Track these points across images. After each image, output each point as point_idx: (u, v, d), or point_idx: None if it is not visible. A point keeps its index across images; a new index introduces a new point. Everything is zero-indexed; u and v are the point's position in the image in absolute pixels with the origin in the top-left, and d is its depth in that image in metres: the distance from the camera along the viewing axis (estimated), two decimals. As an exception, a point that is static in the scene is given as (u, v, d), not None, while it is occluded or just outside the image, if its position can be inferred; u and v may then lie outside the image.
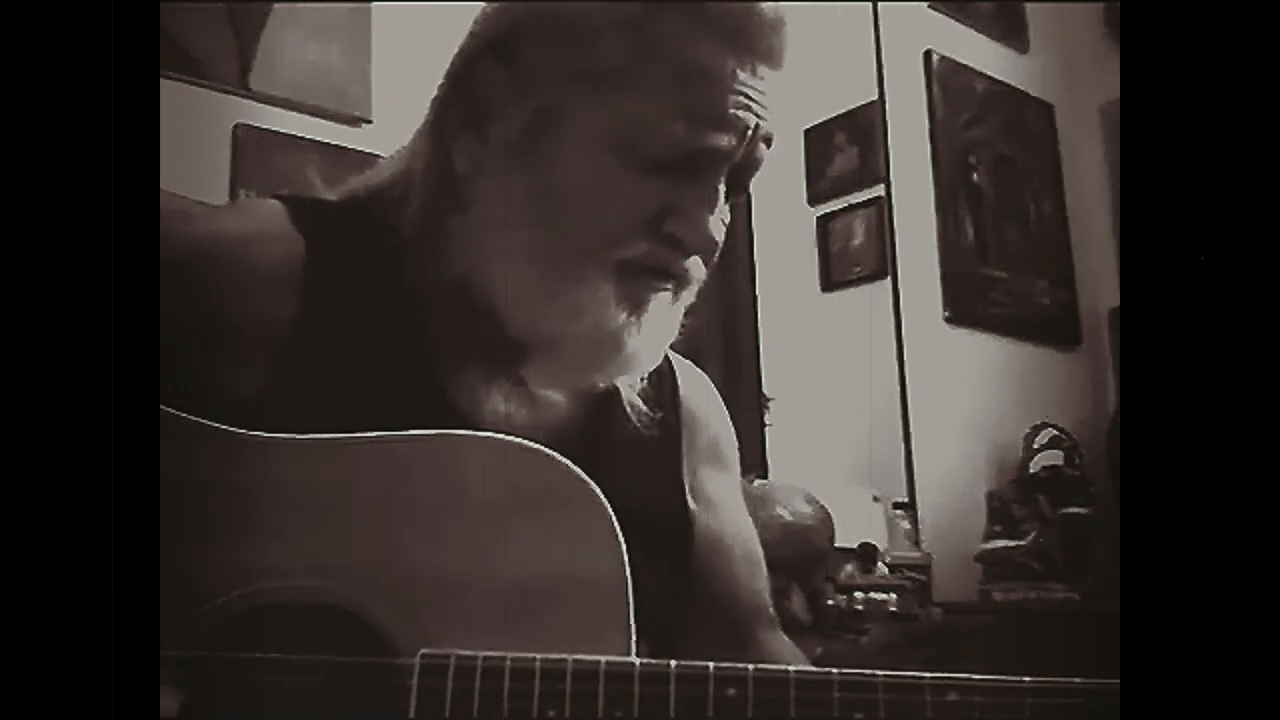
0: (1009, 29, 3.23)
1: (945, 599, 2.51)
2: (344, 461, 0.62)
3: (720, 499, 0.88)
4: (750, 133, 0.70)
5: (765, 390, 2.70)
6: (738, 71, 0.68)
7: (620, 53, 0.68)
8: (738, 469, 0.92)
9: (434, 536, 0.61)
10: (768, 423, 2.67)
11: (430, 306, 0.73)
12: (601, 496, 0.63)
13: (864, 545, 2.36)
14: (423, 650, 0.58)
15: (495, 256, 0.71)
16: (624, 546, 0.62)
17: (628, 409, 0.79)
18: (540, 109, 0.69)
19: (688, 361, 0.90)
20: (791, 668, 0.59)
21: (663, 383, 0.84)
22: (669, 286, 0.72)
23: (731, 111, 0.68)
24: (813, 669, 0.59)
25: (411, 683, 0.57)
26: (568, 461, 0.63)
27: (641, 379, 0.79)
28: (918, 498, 2.65)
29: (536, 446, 0.63)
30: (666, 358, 0.85)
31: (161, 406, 0.59)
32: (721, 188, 0.71)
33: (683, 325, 0.75)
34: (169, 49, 1.93)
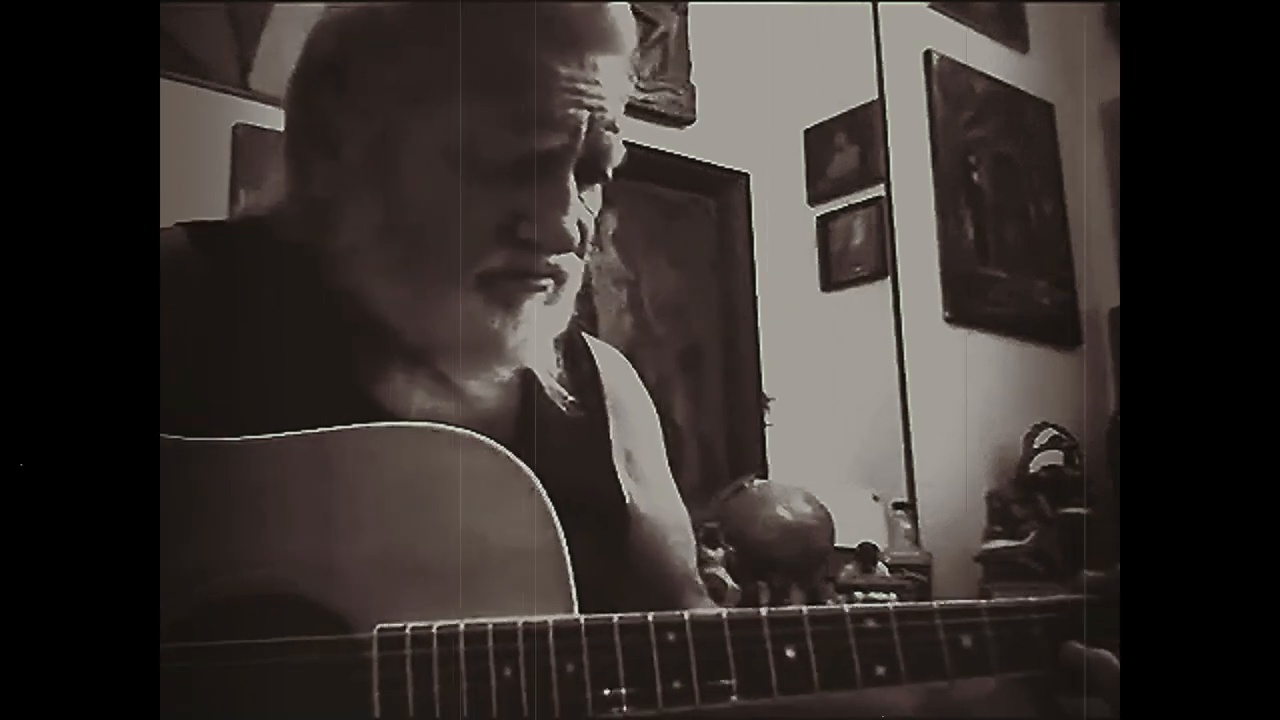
0: (1009, 29, 3.24)
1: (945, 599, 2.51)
2: (288, 458, 0.64)
3: (651, 476, 0.90)
4: (585, 127, 0.70)
5: (765, 390, 2.69)
6: (559, 68, 0.69)
7: (440, 66, 0.69)
8: (662, 445, 0.94)
9: (377, 523, 0.63)
10: (768, 423, 2.66)
11: (337, 314, 0.75)
12: (531, 473, 0.65)
13: (864, 545, 2.36)
14: (379, 624, 0.60)
15: (371, 279, 0.73)
16: (557, 520, 0.65)
17: (549, 393, 0.81)
18: (381, 130, 0.71)
19: (603, 343, 0.93)
20: (724, 610, 0.64)
21: (580, 366, 0.86)
22: (541, 285, 0.73)
23: (560, 111, 0.69)
24: (744, 610, 0.63)
25: (370, 655, 0.59)
26: (496, 444, 0.65)
27: (558, 364, 0.81)
28: (918, 498, 2.65)
29: (467, 432, 0.66)
30: (582, 340, 0.89)
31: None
32: (571, 185, 0.72)
33: (575, 312, 0.78)
34: (169, 49, 1.93)
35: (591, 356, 0.89)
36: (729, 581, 2.09)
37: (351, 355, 0.75)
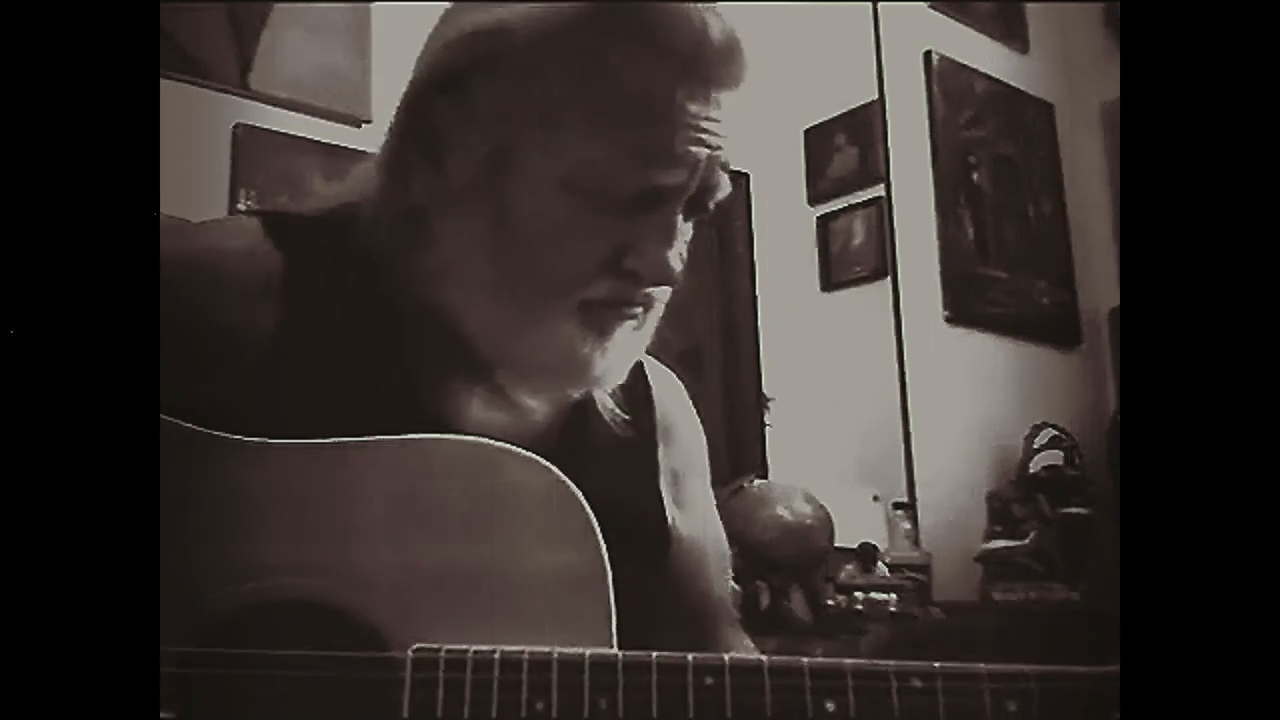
0: (1009, 29, 3.23)
1: (945, 599, 2.51)
2: (335, 465, 0.64)
3: (694, 500, 0.90)
4: (702, 165, 0.70)
5: (765, 390, 2.69)
6: (688, 105, 0.68)
7: (569, 92, 0.68)
8: (708, 471, 0.94)
9: (422, 537, 0.63)
10: (768, 423, 2.66)
11: (405, 320, 0.74)
12: (580, 496, 0.64)
13: (864, 545, 2.36)
14: (415, 645, 0.60)
15: (461, 293, 0.72)
16: (603, 544, 0.64)
17: (602, 412, 0.81)
18: (495, 148, 0.70)
19: (660, 364, 0.91)
20: (766, 657, 0.62)
21: (636, 386, 0.85)
22: (634, 313, 0.73)
23: (682, 148, 0.68)
24: (784, 658, 0.62)
25: (404, 675, 0.59)
26: (546, 462, 0.65)
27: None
28: (918, 498, 2.65)
29: (517, 449, 0.65)
30: (639, 362, 0.86)
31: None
32: (679, 219, 0.72)
33: (654, 338, 0.77)
34: (169, 49, 1.93)
35: (646, 376, 0.88)
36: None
37: (413, 364, 0.74)
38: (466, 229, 0.71)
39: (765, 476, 2.55)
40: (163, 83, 1.85)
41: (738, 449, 2.63)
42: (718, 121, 0.70)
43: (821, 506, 2.29)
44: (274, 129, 2.05)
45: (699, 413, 0.94)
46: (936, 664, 0.61)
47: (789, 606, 2.19)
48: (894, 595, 2.30)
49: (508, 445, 0.65)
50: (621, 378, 0.77)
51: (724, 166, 0.72)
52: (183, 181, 1.75)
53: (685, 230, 0.74)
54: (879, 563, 2.37)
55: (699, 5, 0.69)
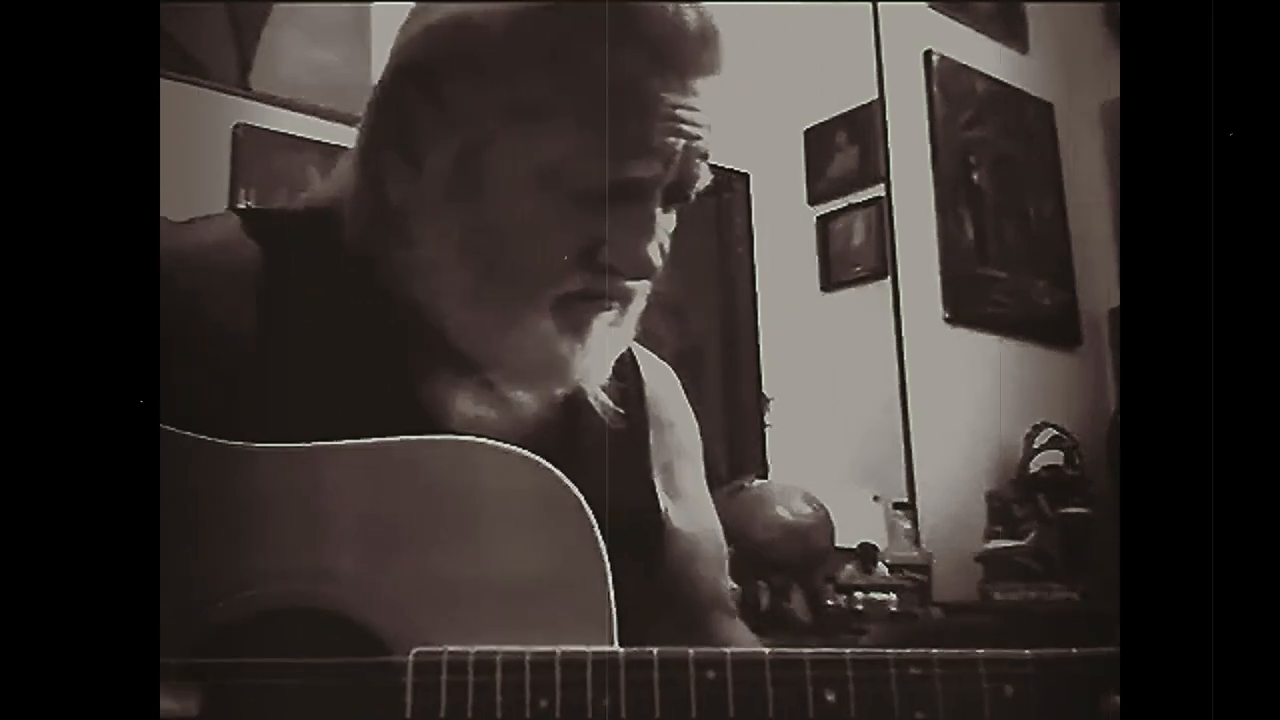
0: (1009, 29, 3.23)
1: (945, 599, 2.51)
2: (329, 468, 0.64)
3: (688, 492, 0.89)
4: (679, 156, 0.68)
5: (765, 390, 2.69)
6: (663, 94, 0.67)
7: (541, 86, 0.67)
8: (701, 461, 0.93)
9: (420, 539, 0.63)
10: (768, 423, 2.66)
11: (390, 317, 0.74)
12: (577, 493, 0.64)
13: (864, 545, 2.36)
14: (416, 648, 0.59)
15: (440, 292, 0.72)
16: (601, 542, 0.64)
17: (595, 406, 0.80)
18: (467, 142, 0.69)
19: (651, 354, 0.91)
20: (767, 649, 0.62)
21: (627, 377, 0.85)
22: (612, 306, 0.72)
23: (658, 139, 0.67)
24: (787, 649, 0.62)
25: (406, 679, 0.59)
26: (542, 460, 0.65)
27: (609, 378, 0.80)
28: (918, 498, 2.65)
29: (512, 448, 0.65)
30: (630, 352, 0.86)
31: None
32: (657, 210, 0.71)
33: (637, 331, 0.77)
34: (169, 49, 1.93)
35: (638, 368, 0.88)
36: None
37: (400, 361, 0.74)
38: (442, 227, 0.71)
39: (765, 476, 2.55)
40: (163, 83, 1.85)
41: (738, 449, 2.63)
42: (696, 110, 0.69)
43: (821, 507, 2.29)
44: (274, 129, 2.05)
45: (694, 407, 0.94)
46: (934, 650, 0.62)
47: (789, 607, 2.19)
48: (894, 595, 2.30)
49: (503, 444, 0.65)
50: (605, 374, 0.77)
51: (703, 156, 0.71)
52: (183, 181, 1.75)
53: (668, 221, 0.73)
54: (879, 563, 2.37)
55: None
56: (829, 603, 2.27)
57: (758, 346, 2.73)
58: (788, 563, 2.20)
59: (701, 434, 0.95)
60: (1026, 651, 0.63)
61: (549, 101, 0.67)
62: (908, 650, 0.62)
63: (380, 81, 0.73)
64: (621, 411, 0.82)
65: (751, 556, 2.17)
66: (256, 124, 2.03)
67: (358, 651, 0.60)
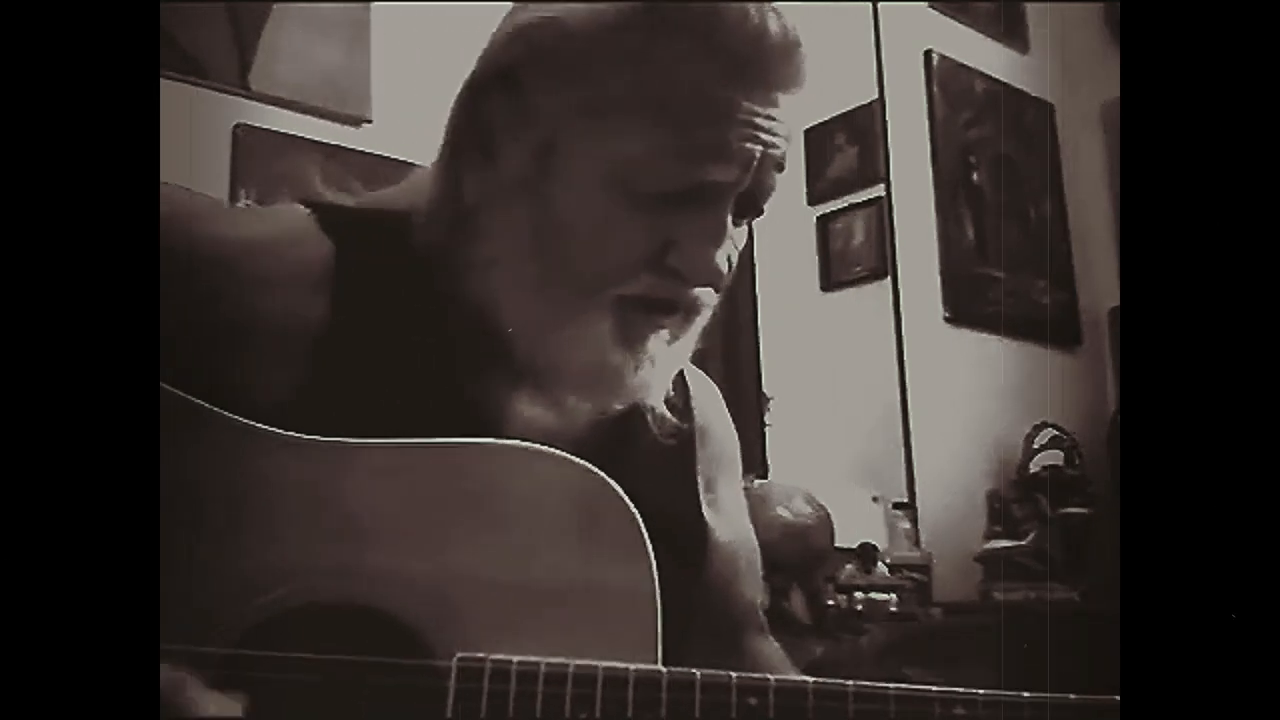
0: (1009, 29, 3.23)
1: (945, 599, 2.51)
2: (385, 466, 0.64)
3: (729, 506, 0.89)
4: (756, 162, 0.68)
5: (765, 390, 2.69)
6: (744, 101, 0.67)
7: (620, 86, 0.67)
8: (740, 473, 0.93)
9: (470, 541, 0.63)
10: (768, 423, 2.66)
11: (451, 317, 0.74)
12: (630, 505, 0.64)
13: (864, 545, 2.36)
14: (459, 654, 0.60)
15: (502, 288, 0.71)
16: (653, 557, 0.64)
17: (649, 418, 0.79)
18: (544, 141, 0.69)
19: (697, 369, 0.90)
20: (810, 679, 0.62)
21: (676, 389, 0.84)
22: (674, 318, 0.72)
23: (736, 144, 0.67)
24: (830, 680, 0.62)
25: (449, 684, 0.59)
26: (594, 468, 0.65)
27: (670, 391, 0.79)
28: (918, 498, 2.65)
29: (565, 455, 0.65)
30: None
31: (199, 402, 0.62)
32: (729, 218, 0.70)
33: (700, 345, 0.76)
34: (169, 49, 1.93)
35: (685, 381, 0.87)
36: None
37: (460, 360, 0.74)
38: (512, 222, 0.70)
39: (765, 476, 2.55)
40: (163, 83, 1.85)
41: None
42: (776, 121, 0.69)
43: (821, 507, 2.29)
44: (274, 129, 2.05)
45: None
46: (980, 691, 0.62)
47: (789, 607, 2.19)
48: (894, 595, 2.30)
49: (556, 450, 0.65)
50: (663, 391, 0.76)
51: (779, 166, 0.71)
52: (183, 181, 1.75)
53: (738, 235, 0.73)
54: (879, 563, 2.37)
55: (757, 4, 0.68)
56: (829, 603, 2.27)
57: (758, 346, 2.73)
58: (787, 562, 2.19)
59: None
60: (1071, 696, 0.63)
61: (626, 100, 0.67)
62: (951, 689, 0.62)
63: (466, 83, 0.73)
64: (680, 426, 0.81)
65: (751, 556, 2.16)
66: (256, 124, 2.03)
67: (399, 650, 0.60)
